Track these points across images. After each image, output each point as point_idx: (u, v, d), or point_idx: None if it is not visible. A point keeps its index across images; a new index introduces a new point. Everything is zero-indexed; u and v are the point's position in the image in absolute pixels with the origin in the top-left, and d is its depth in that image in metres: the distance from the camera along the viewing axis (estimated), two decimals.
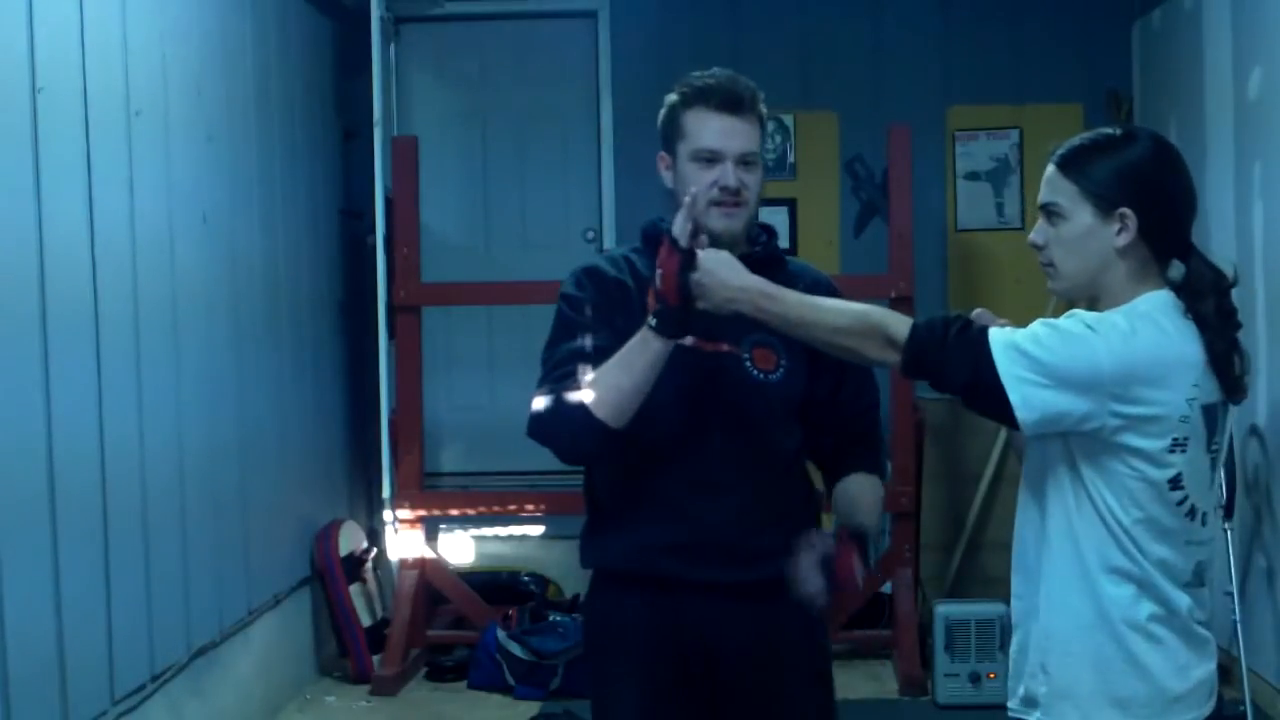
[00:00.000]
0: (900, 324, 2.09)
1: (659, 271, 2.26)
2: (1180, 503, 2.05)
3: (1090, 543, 2.06)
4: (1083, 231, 2.09)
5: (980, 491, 5.68)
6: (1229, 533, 4.54)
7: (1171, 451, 2.03)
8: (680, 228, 2.25)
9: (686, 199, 2.28)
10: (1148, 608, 2.06)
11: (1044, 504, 2.11)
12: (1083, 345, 2.00)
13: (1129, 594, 2.06)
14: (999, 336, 2.03)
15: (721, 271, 2.21)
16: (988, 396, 2.02)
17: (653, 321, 2.28)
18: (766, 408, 2.46)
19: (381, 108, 5.66)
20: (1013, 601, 2.21)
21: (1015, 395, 1.99)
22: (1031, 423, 2.01)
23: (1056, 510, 2.09)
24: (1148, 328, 2.03)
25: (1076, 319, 2.04)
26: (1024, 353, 2.00)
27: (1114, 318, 2.04)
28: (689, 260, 2.22)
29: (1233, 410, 2.14)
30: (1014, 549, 2.19)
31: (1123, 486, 2.04)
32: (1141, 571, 2.05)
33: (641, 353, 2.29)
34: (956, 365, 2.03)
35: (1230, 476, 4.50)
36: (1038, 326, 2.04)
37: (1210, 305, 2.07)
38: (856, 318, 2.12)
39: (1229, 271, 2.13)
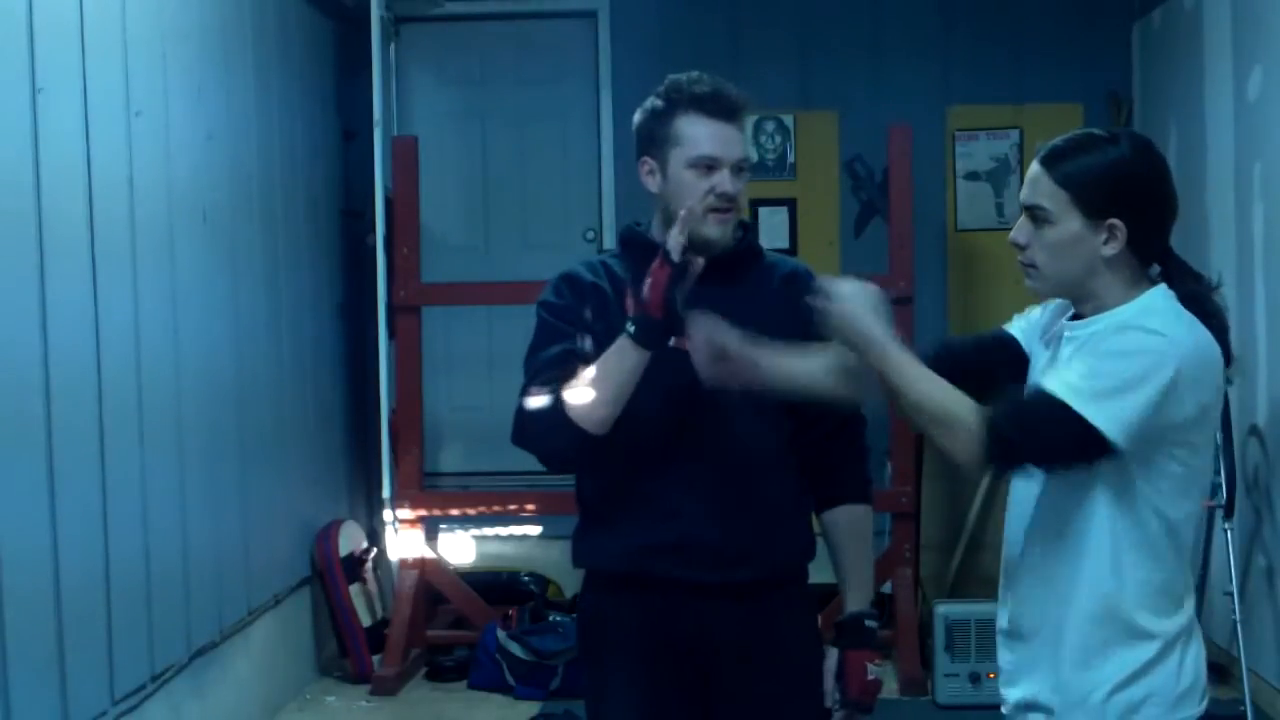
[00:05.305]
0: (971, 413, 1.99)
1: (647, 281, 2.26)
2: (1203, 490, 2.09)
3: (1123, 543, 2.03)
4: (1070, 239, 2.06)
5: (980, 491, 5.67)
6: (1229, 533, 4.54)
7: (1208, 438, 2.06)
8: (675, 242, 2.24)
9: (683, 213, 2.28)
10: (1164, 607, 2.06)
11: (1074, 505, 2.07)
12: (1139, 355, 1.97)
13: (1149, 595, 2.05)
14: (1060, 388, 1.97)
15: (854, 305, 2.10)
16: (1085, 444, 1.96)
17: (631, 329, 2.28)
18: (749, 404, 2.44)
19: (381, 108, 5.66)
20: (1018, 604, 2.20)
21: (1100, 421, 1.94)
22: (1127, 438, 1.95)
23: (1083, 512, 2.05)
24: (1178, 322, 2.02)
25: (1113, 342, 2.00)
26: (1089, 389, 1.95)
27: (1147, 323, 2.00)
28: (679, 274, 2.22)
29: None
30: (1018, 548, 2.18)
31: (1174, 480, 2.02)
32: (1165, 573, 2.05)
33: (620, 362, 2.30)
34: (1042, 435, 1.97)
35: (1230, 476, 4.51)
36: (1083, 363, 1.99)
37: (1214, 304, 2.08)
38: (940, 406, 2.02)
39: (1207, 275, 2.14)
